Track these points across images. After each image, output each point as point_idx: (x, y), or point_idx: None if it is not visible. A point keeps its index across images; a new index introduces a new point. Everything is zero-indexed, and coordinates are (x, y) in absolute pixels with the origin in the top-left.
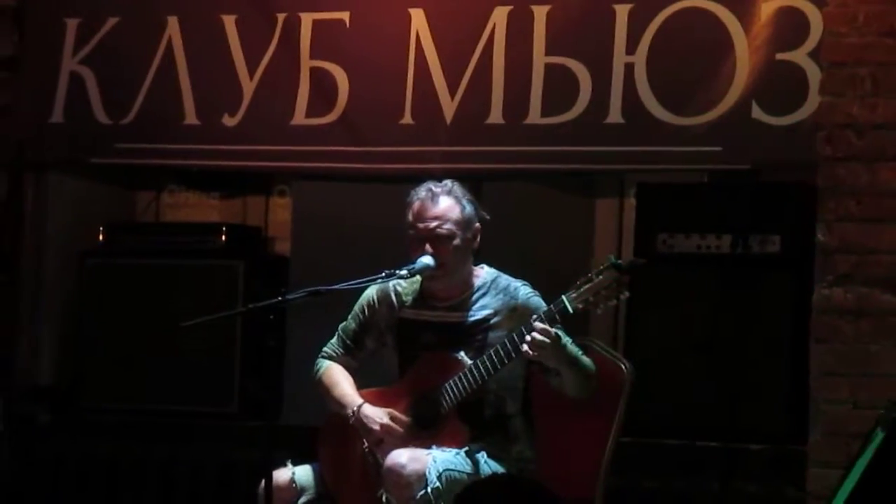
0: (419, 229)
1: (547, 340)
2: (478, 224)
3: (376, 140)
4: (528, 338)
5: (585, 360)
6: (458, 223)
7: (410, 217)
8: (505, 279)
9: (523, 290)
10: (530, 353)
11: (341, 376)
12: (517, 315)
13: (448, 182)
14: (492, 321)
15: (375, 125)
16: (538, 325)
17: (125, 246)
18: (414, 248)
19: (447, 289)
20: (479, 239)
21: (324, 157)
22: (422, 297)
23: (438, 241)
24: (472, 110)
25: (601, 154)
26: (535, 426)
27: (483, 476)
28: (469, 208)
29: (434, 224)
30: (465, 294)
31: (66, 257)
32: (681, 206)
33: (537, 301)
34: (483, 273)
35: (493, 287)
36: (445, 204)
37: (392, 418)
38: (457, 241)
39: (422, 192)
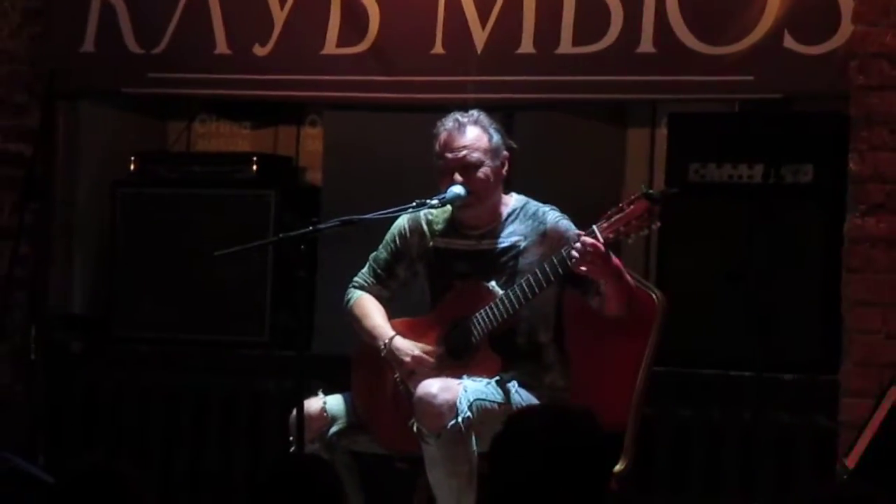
0: (448, 159)
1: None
2: (506, 152)
3: (407, 70)
4: (574, 252)
5: (627, 276)
6: (486, 151)
7: (438, 148)
8: (534, 205)
9: (552, 215)
10: (580, 266)
11: (373, 307)
12: (547, 239)
13: (474, 112)
14: (522, 247)
15: (406, 55)
16: (585, 239)
17: (157, 175)
18: (443, 178)
19: (478, 217)
20: (507, 167)
21: (355, 87)
22: (452, 226)
23: (468, 170)
24: (502, 40)
25: (633, 83)
26: (567, 355)
27: (514, 405)
28: (496, 137)
29: (463, 153)
30: (495, 222)
31: (98, 187)
32: (713, 135)
33: (566, 224)
34: (512, 200)
35: (522, 213)
36: (473, 133)
37: (423, 351)
38: (486, 170)
39: (448, 122)
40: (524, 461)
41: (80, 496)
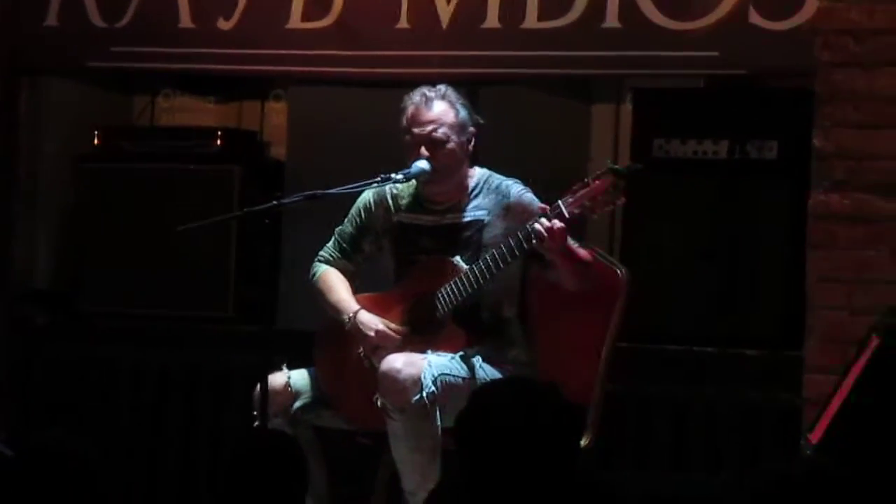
0: (414, 134)
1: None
2: (472, 128)
3: (372, 44)
4: (538, 227)
5: (581, 251)
6: (452, 127)
7: (405, 122)
8: (497, 178)
9: (515, 188)
10: (540, 240)
11: (338, 281)
12: (511, 213)
13: (441, 86)
14: (486, 221)
15: (371, 29)
16: (544, 222)
17: (121, 150)
18: (410, 153)
19: (443, 192)
20: (473, 143)
21: (320, 62)
22: (418, 201)
23: (434, 145)
24: (467, 14)
25: (598, 59)
26: (532, 331)
27: (478, 380)
28: (463, 112)
29: (429, 128)
30: (460, 197)
31: (61, 161)
32: (677, 111)
33: (529, 197)
34: (476, 174)
35: (485, 187)
36: (440, 108)
37: (387, 326)
38: (452, 145)
39: (416, 96)
40: (491, 436)
41: (36, 471)
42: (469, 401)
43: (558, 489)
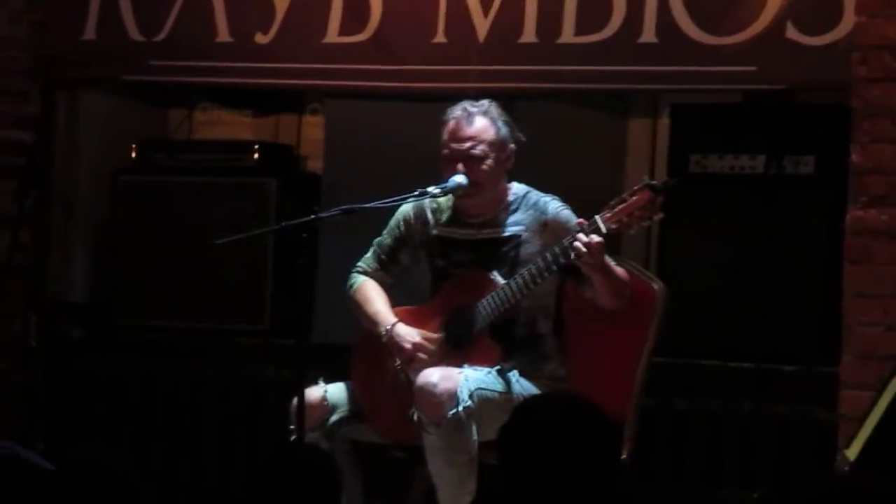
0: (453, 149)
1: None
2: (512, 145)
3: (409, 58)
4: (576, 243)
5: (618, 269)
6: (491, 144)
7: (445, 136)
8: (535, 194)
9: (553, 205)
10: (578, 256)
11: (375, 293)
12: (548, 230)
13: (485, 102)
14: (523, 237)
15: (408, 43)
16: (582, 237)
17: (158, 163)
18: (447, 166)
19: (479, 207)
20: (512, 160)
21: (356, 76)
22: (455, 214)
23: (471, 162)
24: (505, 29)
25: (634, 74)
26: (567, 345)
27: (514, 395)
28: (504, 129)
29: (468, 145)
30: (497, 211)
31: (98, 174)
32: (714, 126)
33: (567, 214)
34: (513, 189)
35: (523, 203)
36: (480, 124)
37: (424, 338)
38: (489, 162)
39: (457, 111)
40: (533, 450)
41: (75, 486)
42: (512, 415)
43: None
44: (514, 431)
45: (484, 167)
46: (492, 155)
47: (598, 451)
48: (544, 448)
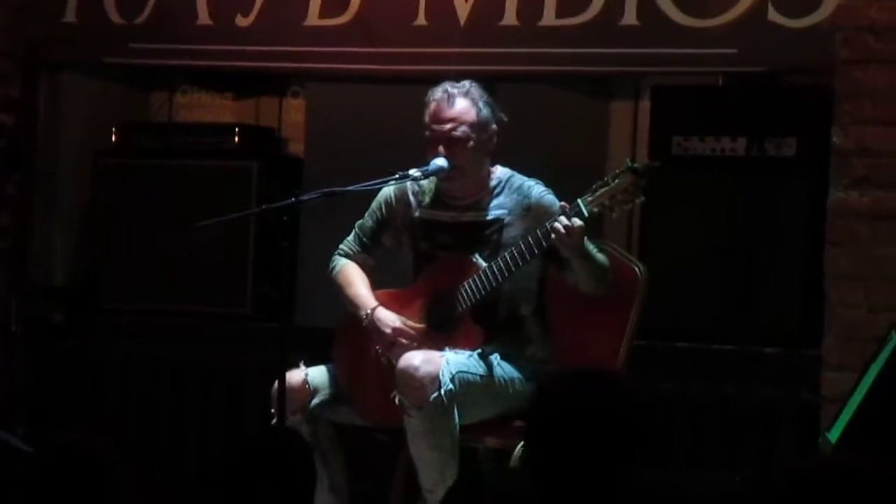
0: (434, 131)
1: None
2: (494, 126)
3: (390, 41)
4: (556, 225)
5: (599, 255)
6: (473, 125)
7: (427, 118)
8: (518, 178)
9: (536, 189)
10: (559, 239)
11: (357, 276)
12: (531, 214)
13: (466, 83)
14: (506, 220)
15: (389, 26)
16: (563, 220)
17: (139, 146)
18: (429, 148)
19: (462, 189)
20: (495, 141)
21: (337, 59)
22: (438, 197)
23: (453, 144)
24: (486, 11)
25: (616, 56)
26: (549, 329)
27: (496, 378)
28: (486, 110)
29: (449, 126)
30: (480, 194)
31: (80, 157)
32: (696, 108)
33: (551, 199)
34: (497, 173)
35: (507, 186)
36: (461, 106)
37: (405, 323)
38: (471, 144)
39: (438, 92)
40: (563, 427)
41: (56, 469)
42: (542, 390)
43: (624, 485)
44: (545, 409)
45: (466, 149)
46: (473, 136)
47: (629, 433)
48: (571, 426)
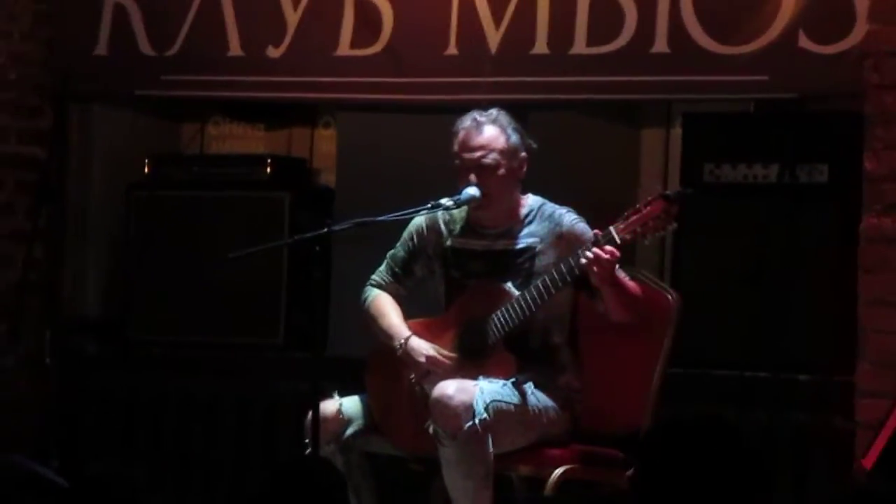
0: (464, 159)
1: (606, 262)
2: (524, 153)
3: (421, 71)
4: (588, 254)
5: (630, 283)
6: (503, 152)
7: (456, 147)
8: (550, 206)
9: (568, 217)
10: (590, 267)
11: (389, 306)
12: (563, 242)
13: (493, 111)
14: (538, 248)
15: (420, 56)
16: (595, 249)
17: (171, 178)
18: (460, 177)
19: (494, 218)
20: (525, 168)
21: (368, 88)
22: (469, 225)
23: (483, 171)
24: (516, 40)
25: (647, 83)
26: (582, 357)
27: (530, 407)
28: (515, 137)
29: (479, 154)
30: (511, 223)
31: (111, 189)
32: (727, 135)
33: (583, 227)
34: (528, 201)
35: (538, 215)
36: (490, 133)
37: (438, 352)
38: (502, 171)
39: (467, 121)
40: (678, 471)
41: (88, 502)
42: (659, 432)
43: None
44: (657, 448)
45: (496, 176)
46: (504, 163)
47: (741, 485)
48: (686, 473)
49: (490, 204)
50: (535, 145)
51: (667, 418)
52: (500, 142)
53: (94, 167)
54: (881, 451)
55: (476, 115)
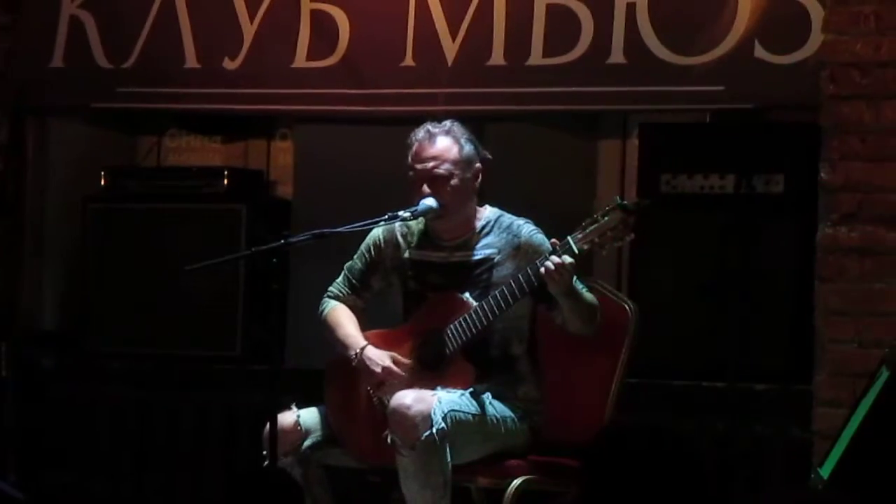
0: (417, 170)
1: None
2: (478, 164)
3: (378, 82)
4: (547, 263)
5: (588, 294)
6: (456, 163)
7: (410, 158)
8: (508, 218)
9: (526, 228)
10: (548, 277)
11: (346, 317)
12: (521, 253)
13: (447, 122)
14: (496, 259)
15: (377, 67)
16: (554, 258)
17: (127, 190)
18: (414, 189)
19: (450, 229)
20: (480, 179)
21: (325, 100)
22: (426, 237)
23: (436, 182)
24: (473, 52)
25: (603, 94)
26: (541, 367)
27: (488, 417)
28: (468, 147)
29: (431, 164)
30: (468, 234)
31: (68, 202)
32: (684, 146)
33: (540, 238)
34: (486, 213)
35: (496, 226)
36: (443, 144)
37: (394, 361)
38: (455, 181)
39: (420, 133)
40: (624, 482)
41: None
42: (600, 443)
43: None
44: (602, 459)
45: (449, 186)
46: (457, 173)
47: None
48: (633, 483)
49: (446, 214)
50: (489, 156)
51: (610, 428)
52: (453, 152)
53: (51, 180)
54: (838, 461)
55: (429, 126)
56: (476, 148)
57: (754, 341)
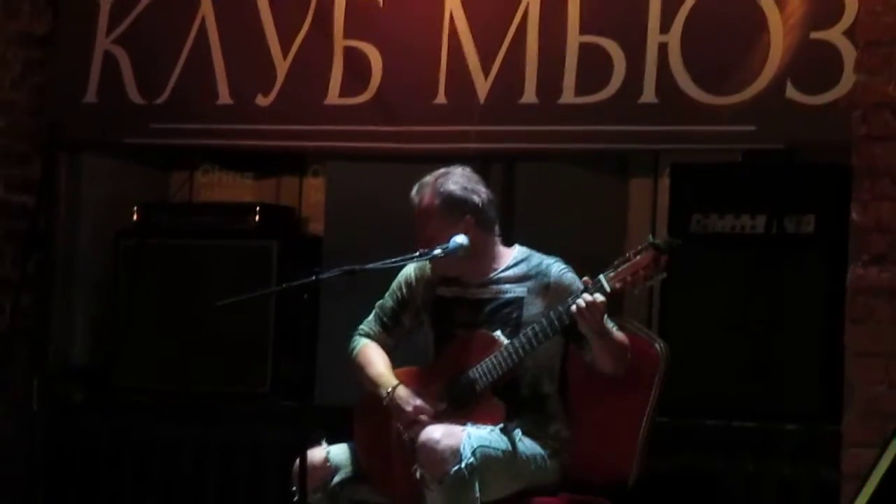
0: (419, 229)
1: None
2: (473, 204)
3: (410, 119)
4: (579, 301)
5: (618, 333)
6: (441, 218)
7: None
8: (537, 256)
9: (556, 267)
10: (580, 315)
11: (377, 355)
12: (551, 292)
13: (432, 176)
14: (525, 298)
15: (409, 105)
16: (586, 297)
17: (159, 226)
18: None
19: (476, 268)
20: (482, 217)
21: (357, 137)
22: (458, 276)
23: (432, 241)
24: (505, 90)
25: (635, 133)
26: (571, 406)
27: (519, 453)
28: (454, 196)
29: (422, 224)
30: (496, 271)
31: (100, 237)
32: (715, 185)
33: (570, 276)
34: (515, 251)
35: (525, 264)
36: (425, 203)
37: (426, 401)
38: (443, 236)
39: (414, 189)
40: None
41: None
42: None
43: None
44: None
45: (442, 240)
46: (445, 226)
47: None
48: None
49: (473, 255)
50: (488, 193)
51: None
52: (434, 208)
53: (83, 215)
54: (867, 503)
55: (424, 181)
56: (460, 195)
57: (784, 381)
